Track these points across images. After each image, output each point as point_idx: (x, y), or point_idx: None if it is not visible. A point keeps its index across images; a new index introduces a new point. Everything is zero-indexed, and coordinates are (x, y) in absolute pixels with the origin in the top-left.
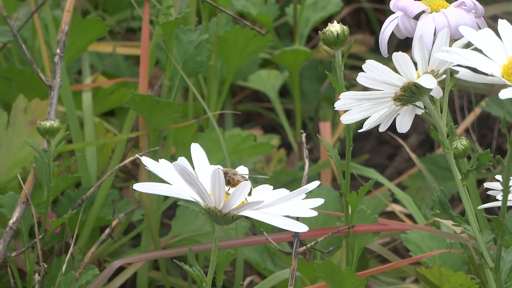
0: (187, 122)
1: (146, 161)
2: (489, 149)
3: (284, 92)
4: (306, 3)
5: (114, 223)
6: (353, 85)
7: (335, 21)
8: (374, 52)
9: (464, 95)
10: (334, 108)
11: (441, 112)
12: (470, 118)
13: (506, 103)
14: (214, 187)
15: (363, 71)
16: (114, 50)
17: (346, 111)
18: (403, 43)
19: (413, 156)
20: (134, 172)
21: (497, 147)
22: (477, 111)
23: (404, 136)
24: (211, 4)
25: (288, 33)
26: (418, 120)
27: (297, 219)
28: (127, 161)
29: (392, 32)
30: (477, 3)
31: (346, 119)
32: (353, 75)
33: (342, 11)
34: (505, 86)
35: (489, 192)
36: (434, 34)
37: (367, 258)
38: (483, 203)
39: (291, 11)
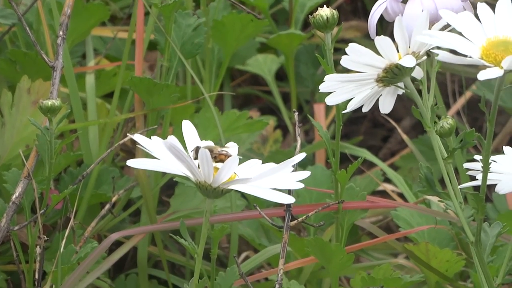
0: (184, 103)
1: (139, 138)
2: (474, 128)
3: (282, 76)
4: None
5: (113, 199)
6: (347, 70)
7: (325, 5)
8: (369, 37)
9: (456, 79)
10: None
11: (428, 93)
12: (461, 101)
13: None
14: (202, 163)
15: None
16: (116, 35)
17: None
18: None
19: (405, 137)
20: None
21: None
22: (467, 94)
23: (397, 119)
24: None
25: (285, 20)
26: (411, 104)
27: (289, 193)
28: (124, 139)
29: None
30: None
31: (330, 100)
32: None
33: None
34: (484, 67)
35: (468, 173)
36: None
37: (359, 235)
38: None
39: None
